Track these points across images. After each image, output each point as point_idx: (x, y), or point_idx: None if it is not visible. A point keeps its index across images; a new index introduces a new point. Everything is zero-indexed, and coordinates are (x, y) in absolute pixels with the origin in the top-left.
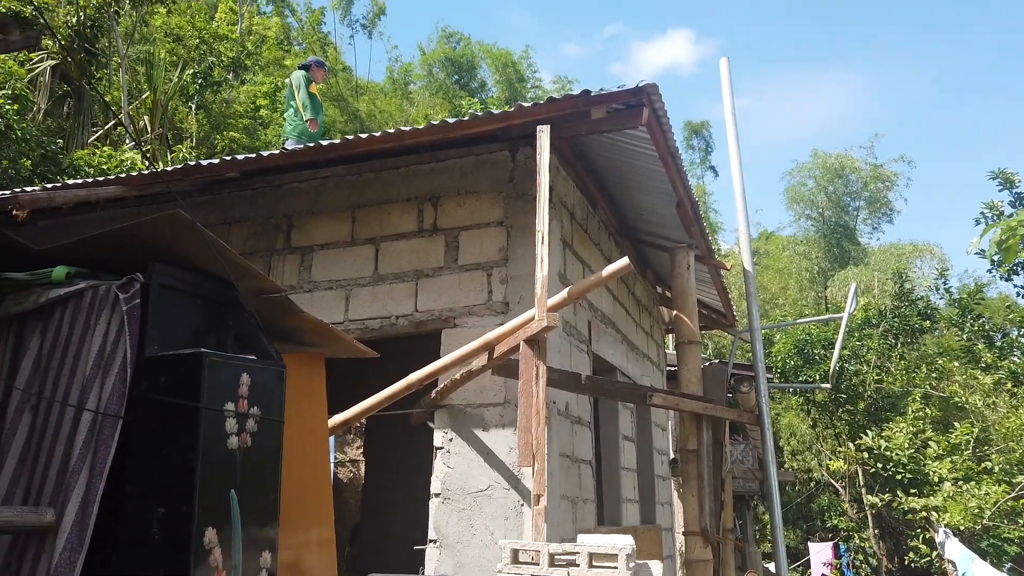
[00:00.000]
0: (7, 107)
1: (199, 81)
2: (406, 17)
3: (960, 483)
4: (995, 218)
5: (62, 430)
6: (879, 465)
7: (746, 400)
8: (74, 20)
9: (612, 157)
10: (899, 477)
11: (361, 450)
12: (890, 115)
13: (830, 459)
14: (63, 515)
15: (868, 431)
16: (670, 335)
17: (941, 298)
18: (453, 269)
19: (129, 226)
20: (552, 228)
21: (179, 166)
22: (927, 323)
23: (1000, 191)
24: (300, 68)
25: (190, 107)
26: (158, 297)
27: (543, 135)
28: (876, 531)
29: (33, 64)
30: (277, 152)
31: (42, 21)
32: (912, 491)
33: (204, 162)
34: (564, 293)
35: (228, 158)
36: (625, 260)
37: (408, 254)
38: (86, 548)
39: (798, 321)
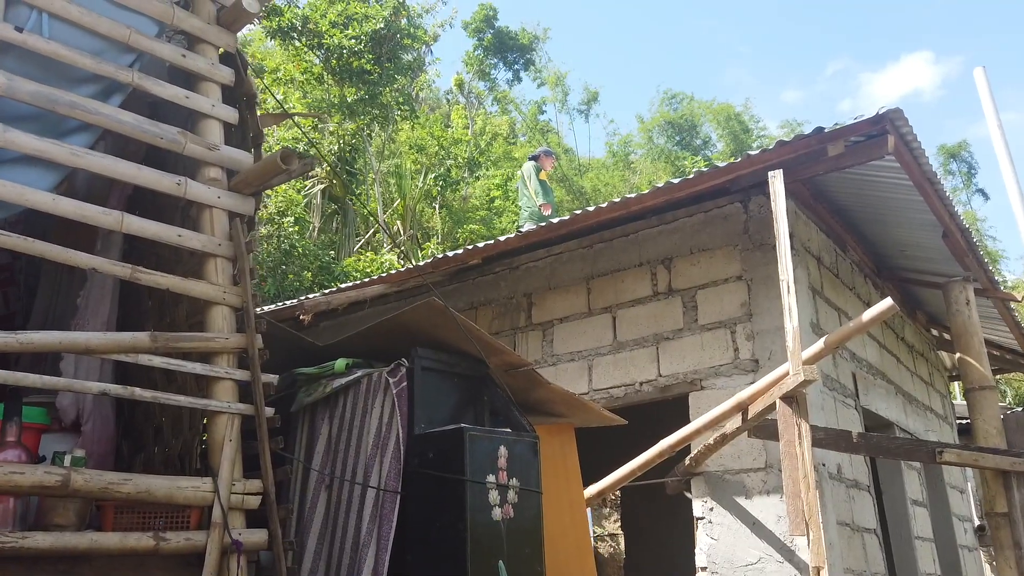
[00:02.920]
0: (290, 229)
1: (440, 183)
2: (621, 89)
3: None
4: None
5: (352, 507)
6: None
7: None
8: (335, 148)
9: (858, 192)
10: None
11: (618, 523)
12: None
13: None
14: None
15: None
16: (955, 383)
17: None
18: (694, 330)
19: (394, 317)
20: (798, 276)
21: (429, 260)
22: None
23: None
24: (530, 159)
25: (434, 207)
26: (421, 379)
27: (776, 180)
28: None
29: (307, 190)
30: (513, 236)
31: (316, 153)
32: None
33: (450, 253)
34: (820, 343)
35: (470, 247)
36: (888, 301)
37: (646, 319)
38: None
39: None
